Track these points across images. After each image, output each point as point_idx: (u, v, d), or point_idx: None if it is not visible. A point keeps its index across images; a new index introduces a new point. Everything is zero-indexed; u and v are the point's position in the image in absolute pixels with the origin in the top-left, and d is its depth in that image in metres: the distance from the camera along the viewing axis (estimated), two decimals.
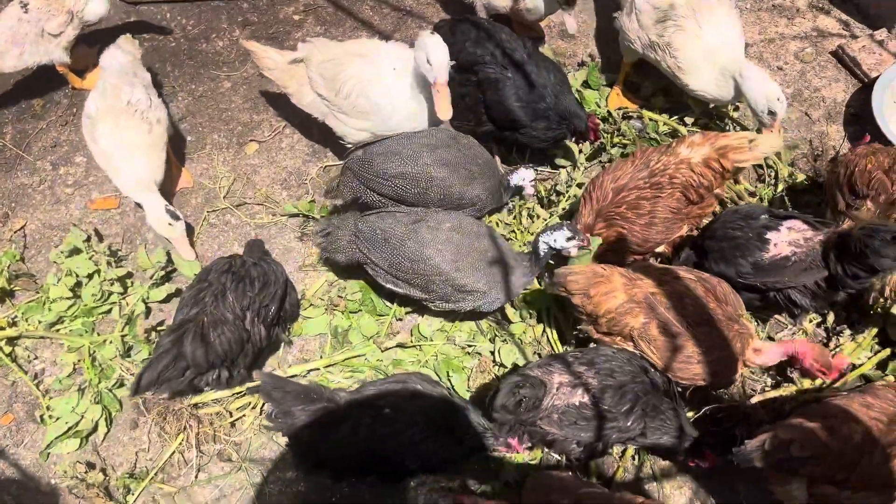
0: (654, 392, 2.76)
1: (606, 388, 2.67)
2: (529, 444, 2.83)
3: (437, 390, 2.87)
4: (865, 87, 4.13)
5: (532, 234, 3.63)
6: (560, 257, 3.25)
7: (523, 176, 3.47)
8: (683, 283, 2.83)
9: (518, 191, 3.54)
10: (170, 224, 3.45)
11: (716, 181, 3.14)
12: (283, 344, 3.40)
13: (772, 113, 3.32)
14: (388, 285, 3.24)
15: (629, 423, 2.69)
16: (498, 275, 3.11)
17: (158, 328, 3.46)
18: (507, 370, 3.29)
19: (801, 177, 3.75)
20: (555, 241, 3.08)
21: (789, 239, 2.96)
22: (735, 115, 4.03)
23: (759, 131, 3.46)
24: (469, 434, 2.80)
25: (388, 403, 2.79)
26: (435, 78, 3.14)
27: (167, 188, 3.80)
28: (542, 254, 3.12)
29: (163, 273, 3.55)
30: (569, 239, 3.06)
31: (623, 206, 3.14)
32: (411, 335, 3.42)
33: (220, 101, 4.30)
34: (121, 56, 3.69)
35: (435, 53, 3.11)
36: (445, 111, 3.20)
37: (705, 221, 3.41)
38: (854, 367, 3.18)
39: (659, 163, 3.12)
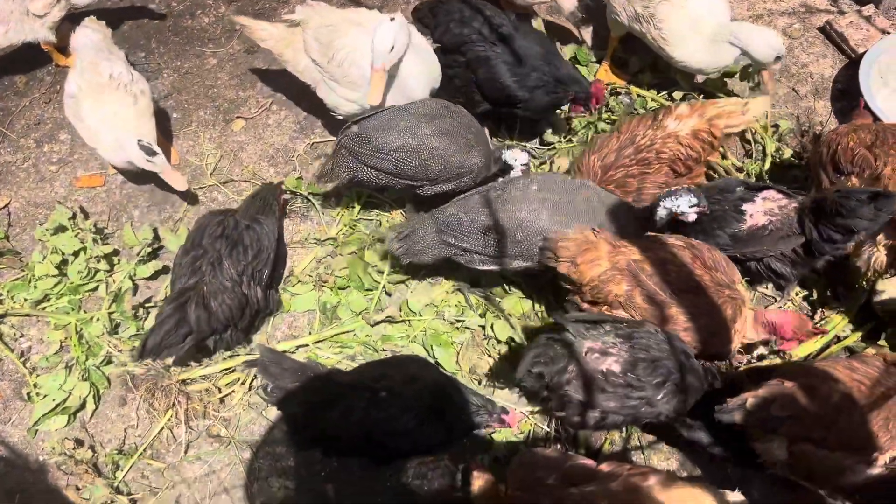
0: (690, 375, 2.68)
1: (638, 360, 2.58)
2: (524, 418, 2.82)
3: (433, 373, 2.86)
4: (853, 63, 4.13)
5: None
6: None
7: (516, 157, 3.39)
8: (669, 250, 2.79)
9: (507, 169, 3.51)
10: (149, 160, 3.40)
11: (704, 152, 3.14)
12: (274, 309, 3.37)
13: (779, 58, 3.38)
14: (487, 267, 3.16)
15: (659, 397, 2.59)
16: (606, 224, 3.02)
17: (146, 305, 3.44)
18: (502, 343, 3.31)
19: (788, 152, 3.76)
20: (678, 206, 2.88)
21: (765, 209, 2.97)
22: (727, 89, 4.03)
23: (756, 87, 3.54)
24: (462, 417, 2.77)
25: (385, 387, 2.74)
26: (371, 62, 3.15)
27: None
28: (658, 218, 2.94)
29: (149, 250, 3.53)
30: (692, 206, 2.87)
31: (611, 185, 3.13)
32: (400, 310, 3.42)
33: (205, 78, 4.26)
34: (92, 34, 3.63)
35: (377, 39, 3.10)
36: (374, 97, 3.21)
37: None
38: (839, 339, 3.21)
39: (645, 138, 3.11)
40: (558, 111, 3.72)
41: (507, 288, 3.43)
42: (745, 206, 2.99)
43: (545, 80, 3.50)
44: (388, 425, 2.70)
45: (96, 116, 3.43)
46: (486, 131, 3.55)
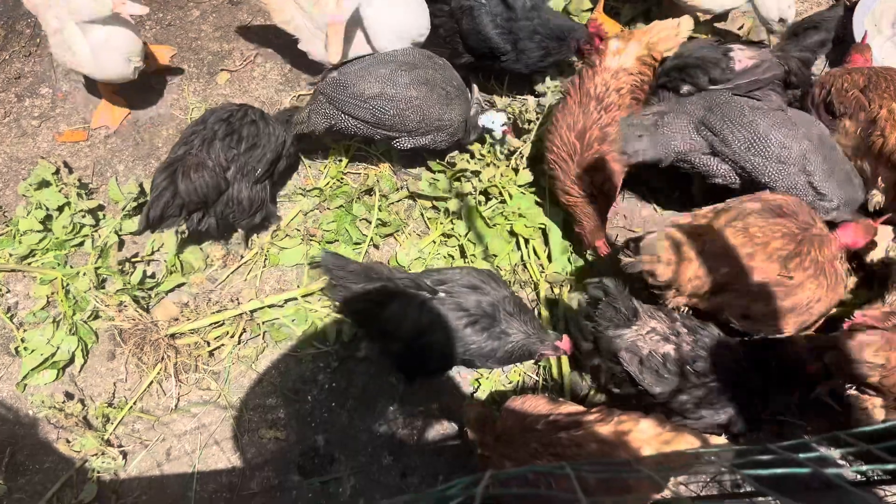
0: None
1: (699, 356, 2.59)
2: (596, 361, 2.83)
3: (499, 289, 2.80)
4: (847, 11, 4.06)
5: (504, 171, 3.58)
6: None
7: (493, 118, 3.31)
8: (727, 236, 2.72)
9: (486, 132, 3.42)
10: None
11: (650, 73, 3.16)
12: (259, 217, 3.33)
13: (782, 20, 3.35)
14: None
15: (715, 401, 2.59)
16: None
17: (132, 259, 3.42)
18: None
19: None
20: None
21: (746, 55, 3.12)
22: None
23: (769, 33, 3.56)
24: (513, 338, 2.76)
25: (445, 290, 2.75)
26: (331, 15, 3.08)
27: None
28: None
29: (135, 204, 3.49)
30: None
31: (595, 145, 3.06)
32: (389, 264, 3.40)
33: (188, 30, 4.17)
34: None
35: None
36: (334, 54, 3.14)
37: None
38: None
39: (598, 86, 3.06)
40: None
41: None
42: (731, 54, 3.12)
43: (536, 32, 3.42)
44: (439, 323, 2.70)
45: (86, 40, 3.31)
46: (476, 88, 3.49)
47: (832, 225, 2.90)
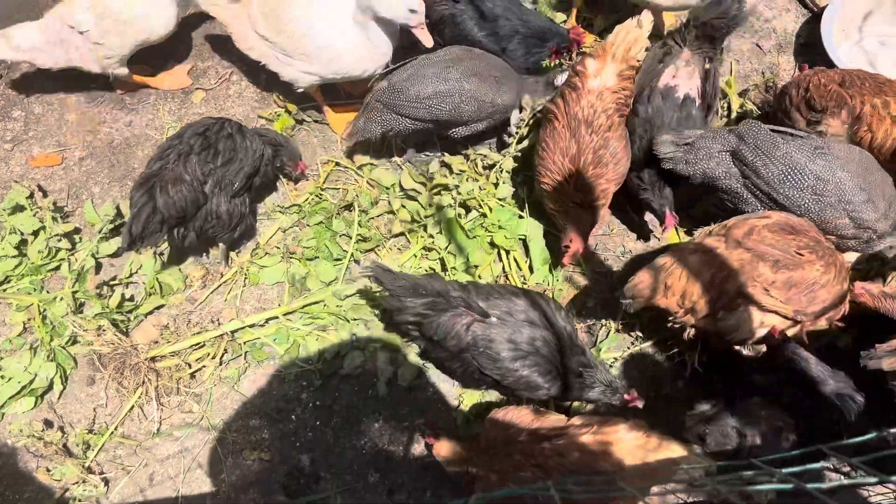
0: None
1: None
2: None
3: (556, 322, 2.74)
4: (815, 17, 4.14)
5: (483, 184, 3.60)
6: None
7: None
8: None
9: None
10: None
11: (632, 84, 3.17)
12: (238, 231, 3.31)
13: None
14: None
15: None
16: None
17: (110, 283, 3.38)
18: None
19: (751, 106, 3.76)
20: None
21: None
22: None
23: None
24: (575, 382, 2.73)
25: (498, 315, 2.72)
26: (418, 22, 3.18)
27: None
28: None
29: (112, 226, 3.45)
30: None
31: (590, 170, 3.07)
32: (370, 280, 3.39)
33: (163, 50, 4.13)
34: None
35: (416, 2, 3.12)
36: (429, 40, 3.26)
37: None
38: None
39: (585, 109, 3.06)
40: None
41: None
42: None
43: (517, 32, 3.49)
44: (485, 347, 2.70)
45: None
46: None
47: None
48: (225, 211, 3.14)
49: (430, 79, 3.26)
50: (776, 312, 2.67)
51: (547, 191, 3.17)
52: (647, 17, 3.17)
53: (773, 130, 2.96)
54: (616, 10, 4.04)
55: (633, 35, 3.11)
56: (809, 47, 4.05)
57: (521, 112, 3.58)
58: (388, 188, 3.64)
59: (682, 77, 3.17)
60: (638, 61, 3.21)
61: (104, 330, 3.20)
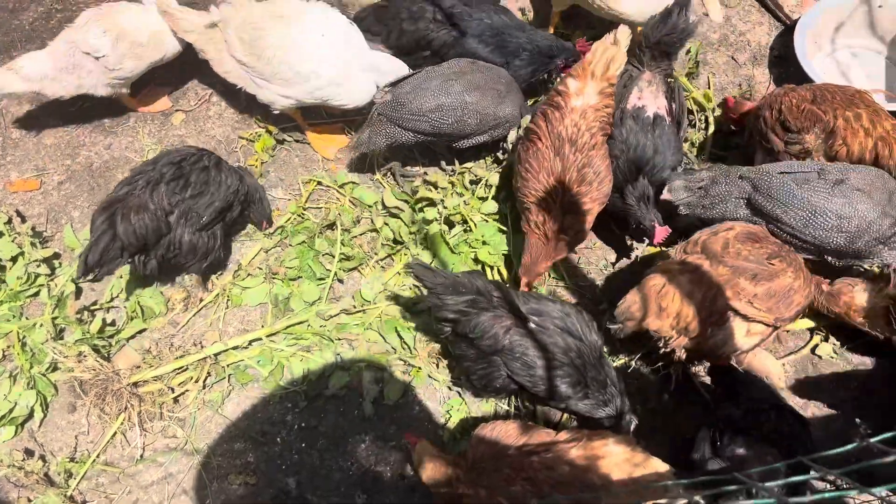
0: None
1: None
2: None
3: (589, 337, 2.75)
4: (788, 29, 4.21)
5: (468, 199, 3.61)
6: None
7: None
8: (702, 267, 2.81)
9: None
10: None
11: (612, 100, 3.16)
12: (198, 265, 3.24)
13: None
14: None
15: None
16: None
17: (91, 307, 3.35)
18: None
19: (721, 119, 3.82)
20: None
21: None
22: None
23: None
24: (595, 394, 2.74)
25: (537, 322, 2.72)
26: None
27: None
28: None
29: None
30: None
31: (574, 188, 3.07)
32: (353, 299, 3.38)
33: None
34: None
35: None
36: None
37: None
38: None
39: (570, 128, 3.04)
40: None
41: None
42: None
43: (523, 49, 3.54)
44: (520, 352, 2.70)
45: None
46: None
47: None
48: (187, 242, 3.08)
49: (433, 92, 3.29)
50: (761, 322, 2.70)
51: (531, 211, 3.16)
52: (623, 33, 3.20)
53: (782, 172, 2.97)
54: (592, 27, 4.08)
55: (610, 52, 3.14)
56: (783, 59, 4.11)
57: (519, 129, 3.60)
58: (370, 206, 3.64)
59: (648, 97, 3.22)
60: (616, 79, 3.23)
61: (85, 356, 3.16)
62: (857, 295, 3.00)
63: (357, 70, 3.39)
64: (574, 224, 3.09)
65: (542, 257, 3.13)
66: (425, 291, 2.86)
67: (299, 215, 3.61)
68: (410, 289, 3.41)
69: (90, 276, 2.97)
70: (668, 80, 3.31)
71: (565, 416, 3.10)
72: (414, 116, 3.32)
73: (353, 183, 3.72)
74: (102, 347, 3.24)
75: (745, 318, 2.70)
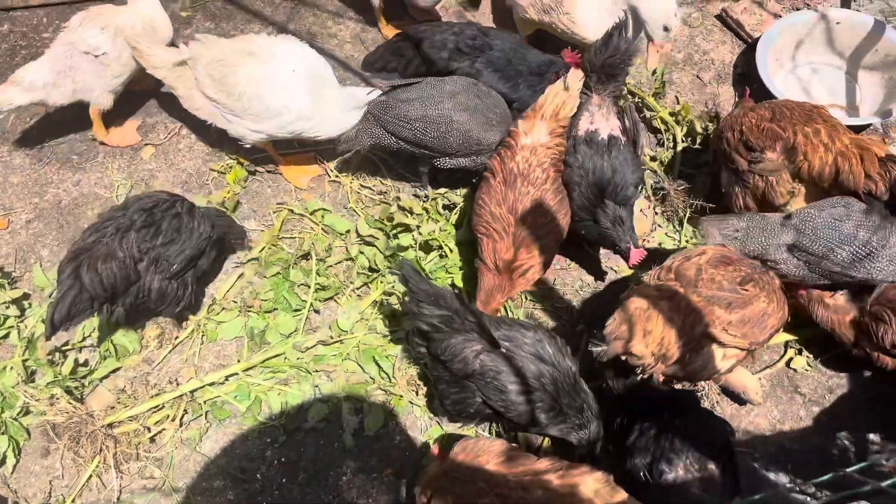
0: None
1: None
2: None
3: (562, 364, 2.74)
4: (750, 48, 4.30)
5: (444, 225, 3.62)
6: None
7: None
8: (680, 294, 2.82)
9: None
10: None
11: (564, 139, 3.23)
12: (171, 311, 3.21)
13: (666, 29, 3.43)
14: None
15: None
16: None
17: (62, 348, 3.29)
18: None
19: (697, 138, 3.87)
20: None
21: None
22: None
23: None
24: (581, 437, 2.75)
25: (508, 348, 2.70)
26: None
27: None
28: None
29: None
30: None
31: (528, 220, 3.08)
32: (330, 330, 3.36)
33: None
34: None
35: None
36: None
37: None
38: None
39: (521, 164, 3.11)
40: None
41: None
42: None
43: (522, 74, 3.58)
44: (490, 377, 2.69)
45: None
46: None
47: None
48: (156, 289, 3.04)
49: (422, 102, 3.33)
50: (736, 347, 2.73)
51: (483, 246, 3.15)
52: (574, 78, 3.21)
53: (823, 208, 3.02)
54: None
55: (560, 97, 3.16)
56: (747, 77, 4.20)
57: None
58: (342, 234, 3.65)
59: (600, 120, 3.24)
60: (567, 120, 3.25)
61: (57, 398, 3.10)
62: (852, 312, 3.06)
63: (328, 103, 3.39)
64: (528, 259, 3.09)
65: (496, 291, 3.12)
66: (407, 298, 2.82)
67: (273, 244, 3.59)
68: (388, 317, 3.40)
69: (58, 333, 2.89)
70: (618, 101, 3.35)
71: (546, 440, 3.10)
72: (398, 121, 3.35)
73: (325, 210, 3.72)
74: (75, 389, 3.19)
75: (721, 343, 2.73)
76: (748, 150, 3.24)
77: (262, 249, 3.57)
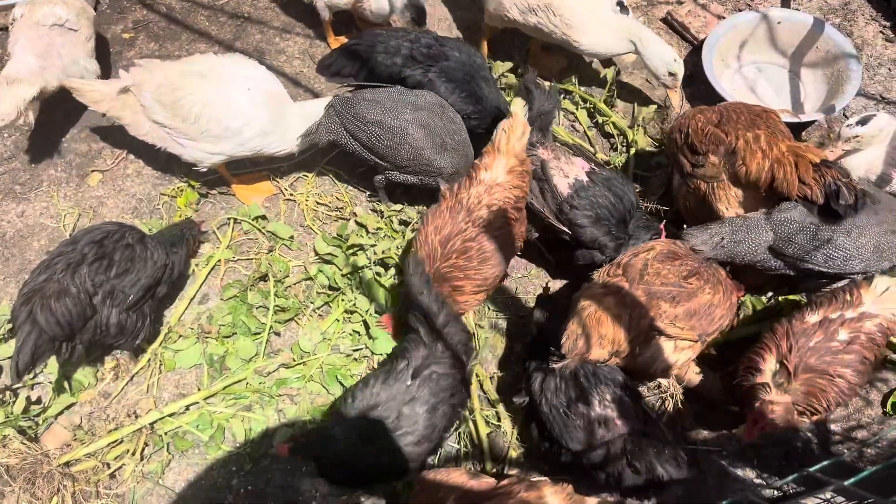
0: None
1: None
2: None
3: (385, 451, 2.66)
4: (696, 49, 4.37)
5: (400, 243, 3.59)
6: None
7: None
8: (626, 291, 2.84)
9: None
10: None
11: (526, 184, 3.13)
12: (131, 342, 3.11)
13: (671, 74, 3.63)
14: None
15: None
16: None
17: (14, 387, 3.17)
18: None
19: (642, 140, 3.93)
20: None
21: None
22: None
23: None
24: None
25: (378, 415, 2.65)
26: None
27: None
28: None
29: (10, 326, 3.24)
30: None
31: (453, 257, 2.97)
32: (292, 352, 3.31)
33: (52, 133, 3.98)
34: None
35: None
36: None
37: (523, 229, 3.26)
38: None
39: (472, 197, 3.01)
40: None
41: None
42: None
43: (479, 104, 3.53)
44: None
45: None
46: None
47: None
48: (115, 323, 2.96)
49: (383, 108, 3.31)
50: (686, 339, 2.77)
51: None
52: (518, 105, 3.17)
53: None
54: (512, 52, 4.15)
55: (506, 124, 3.09)
56: (695, 77, 4.26)
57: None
58: (285, 240, 3.63)
59: (567, 167, 3.22)
60: (524, 157, 3.16)
61: (10, 439, 2.98)
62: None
63: (286, 117, 3.38)
64: (448, 295, 3.00)
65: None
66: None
67: (229, 259, 3.56)
68: (350, 335, 3.36)
69: (24, 377, 2.85)
70: (555, 142, 3.35)
71: (511, 451, 3.09)
72: (356, 121, 3.33)
73: (263, 217, 3.70)
74: (28, 428, 3.07)
75: (670, 336, 2.76)
76: (693, 153, 3.28)
77: (214, 266, 3.53)
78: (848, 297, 2.83)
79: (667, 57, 3.70)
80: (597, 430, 2.70)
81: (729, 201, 3.24)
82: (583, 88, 4.16)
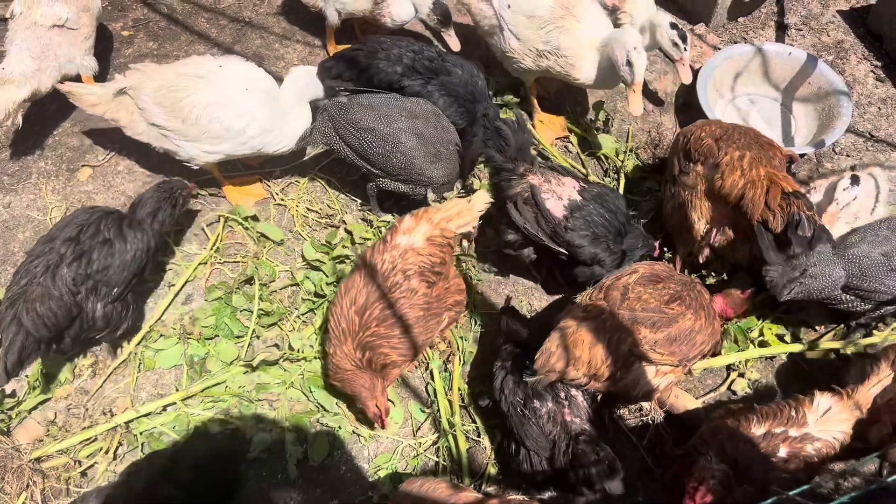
0: None
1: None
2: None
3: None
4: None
5: None
6: None
7: None
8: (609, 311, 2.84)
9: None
10: None
11: (446, 255, 3.04)
12: (117, 328, 3.10)
13: (629, 63, 3.37)
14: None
15: None
16: None
17: None
18: None
19: (631, 164, 3.95)
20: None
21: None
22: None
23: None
24: None
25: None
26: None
27: None
28: None
29: None
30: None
31: (374, 326, 2.88)
32: (279, 349, 3.28)
33: (45, 126, 3.96)
34: None
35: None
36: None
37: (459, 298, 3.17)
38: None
39: (385, 263, 2.91)
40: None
41: None
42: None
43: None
44: None
45: None
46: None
47: None
48: (101, 316, 2.96)
49: (377, 114, 3.30)
50: (666, 364, 2.78)
51: (330, 339, 2.99)
52: (480, 198, 3.15)
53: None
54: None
55: (456, 209, 3.06)
56: (689, 106, 4.31)
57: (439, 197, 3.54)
58: (277, 242, 3.61)
59: (558, 188, 3.23)
60: (455, 234, 3.09)
61: None
62: None
63: (286, 114, 3.39)
64: (379, 364, 2.94)
65: (363, 389, 2.93)
66: None
67: (216, 261, 3.53)
68: None
69: (13, 378, 2.83)
70: (541, 166, 3.36)
71: (490, 466, 3.07)
72: (348, 127, 3.33)
73: (254, 218, 3.67)
74: (1, 422, 3.02)
75: (651, 362, 2.76)
76: (685, 159, 3.34)
77: (198, 267, 3.50)
78: (793, 414, 2.70)
79: (629, 42, 3.41)
80: (546, 425, 2.74)
81: (702, 211, 3.29)
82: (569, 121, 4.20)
